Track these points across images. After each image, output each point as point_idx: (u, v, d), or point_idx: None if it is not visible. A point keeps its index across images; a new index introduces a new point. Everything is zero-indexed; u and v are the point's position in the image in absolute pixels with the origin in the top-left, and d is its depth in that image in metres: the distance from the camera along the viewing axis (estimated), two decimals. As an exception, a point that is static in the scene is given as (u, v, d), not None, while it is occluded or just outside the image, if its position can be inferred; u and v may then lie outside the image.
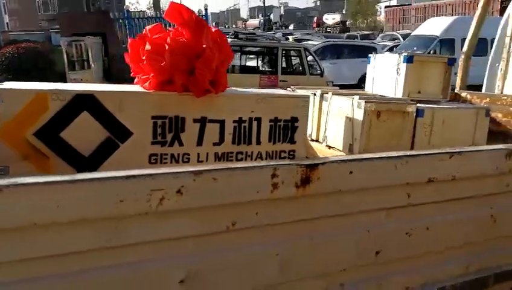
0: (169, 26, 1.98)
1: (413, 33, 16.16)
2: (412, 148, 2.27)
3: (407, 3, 44.92)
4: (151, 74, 1.85)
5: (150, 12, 24.15)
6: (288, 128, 2.08)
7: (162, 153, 1.94)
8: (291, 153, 2.11)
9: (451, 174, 1.15)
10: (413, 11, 39.45)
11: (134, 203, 0.80)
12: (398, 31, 31.83)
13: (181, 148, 1.96)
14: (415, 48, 13.77)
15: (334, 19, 47.93)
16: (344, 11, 52.24)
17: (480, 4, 3.69)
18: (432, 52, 12.99)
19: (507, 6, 15.89)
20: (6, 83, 1.88)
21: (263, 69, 9.57)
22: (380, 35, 33.18)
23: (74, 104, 1.78)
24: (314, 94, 2.58)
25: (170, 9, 1.86)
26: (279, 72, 8.60)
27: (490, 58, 3.74)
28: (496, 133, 2.84)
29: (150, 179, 0.81)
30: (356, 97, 2.22)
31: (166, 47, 1.78)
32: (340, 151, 2.35)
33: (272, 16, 54.91)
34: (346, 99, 2.30)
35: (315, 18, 51.71)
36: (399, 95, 2.47)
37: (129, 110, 1.85)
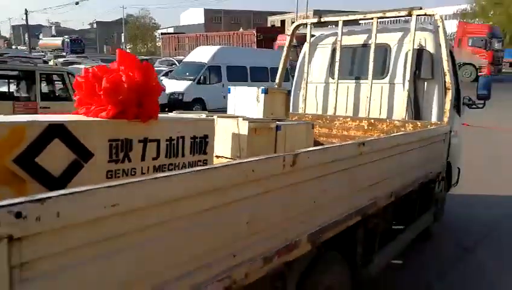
0: None
1: (185, 60, 17.69)
2: (275, 152, 3.30)
3: (181, 31, 48.44)
4: (109, 106, 2.32)
5: None
6: (202, 144, 2.82)
7: (115, 169, 2.39)
8: (204, 161, 2.84)
9: (338, 158, 2.19)
10: (186, 39, 42.45)
11: (244, 176, 1.50)
12: (174, 57, 34.07)
13: (129, 163, 2.45)
14: (187, 74, 15.36)
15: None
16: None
17: (285, 48, 5.15)
18: (202, 77, 14.74)
19: (262, 39, 19.77)
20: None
21: (18, 95, 8.82)
22: (158, 60, 34.84)
23: (47, 132, 2.10)
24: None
25: (121, 56, 2.39)
26: (38, 99, 8.19)
27: (293, 85, 5.19)
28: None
29: (252, 163, 1.53)
30: (240, 118, 3.13)
31: (125, 85, 2.31)
32: (228, 158, 3.20)
33: (41, 36, 50.30)
34: (231, 120, 3.18)
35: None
36: (260, 116, 3.49)
37: (91, 135, 2.26)
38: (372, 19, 4.55)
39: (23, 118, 2.12)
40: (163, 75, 18.26)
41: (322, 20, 4.92)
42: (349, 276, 2.65)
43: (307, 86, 4.99)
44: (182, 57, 26.43)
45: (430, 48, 4.40)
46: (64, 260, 1.02)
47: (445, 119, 4.22)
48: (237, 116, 3.22)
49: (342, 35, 4.71)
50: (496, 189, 6.61)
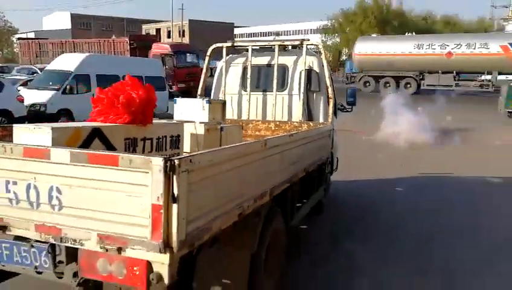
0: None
1: (47, 68, 16.62)
2: (220, 146, 4.58)
3: (44, 36, 45.35)
4: (125, 115, 3.38)
5: None
6: (177, 141, 3.98)
7: (128, 160, 3.44)
8: (177, 154, 4.00)
9: (280, 143, 3.61)
10: (50, 46, 39.68)
11: (246, 150, 2.81)
12: (36, 65, 31.90)
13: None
14: (50, 83, 14.53)
15: None
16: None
17: (204, 66, 6.44)
18: (68, 87, 14.11)
19: (136, 47, 20.90)
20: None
21: None
22: (16, 68, 32.25)
23: (92, 134, 3.11)
24: (162, 123, 4.46)
25: (130, 80, 3.46)
26: None
27: (212, 96, 6.48)
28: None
29: (250, 144, 2.83)
30: (197, 122, 4.34)
31: (137, 100, 3.40)
32: (189, 152, 4.38)
33: None
34: (190, 124, 4.37)
35: None
36: (205, 121, 4.74)
37: (115, 135, 3.29)
38: (274, 46, 6.13)
39: (77, 124, 3.09)
40: (21, 85, 16.98)
41: (235, 44, 6.34)
42: (284, 225, 4.08)
43: (225, 96, 6.34)
44: (45, 65, 24.49)
45: (316, 68, 6.13)
46: (202, 181, 2.25)
47: (329, 120, 5.98)
48: (193, 121, 4.43)
49: (251, 57, 6.19)
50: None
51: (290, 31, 78.00)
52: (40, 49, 39.64)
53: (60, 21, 58.10)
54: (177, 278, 2.20)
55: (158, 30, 57.09)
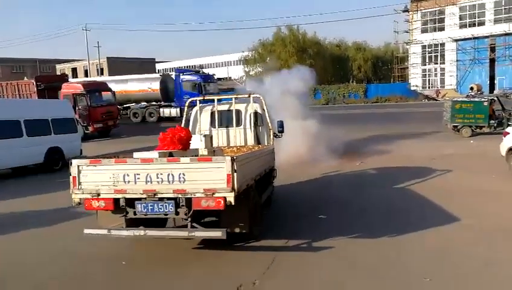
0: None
1: None
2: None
3: None
4: (179, 146, 7.10)
5: None
6: (197, 158, 7.75)
7: (181, 168, 7.16)
8: (198, 165, 7.76)
9: (258, 154, 7.52)
10: None
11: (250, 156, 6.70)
12: None
13: (183, 166, 7.24)
14: None
15: None
16: None
17: (184, 118, 10.22)
18: None
19: (44, 88, 25.12)
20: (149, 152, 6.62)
21: None
22: None
23: (169, 154, 6.78)
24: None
25: (177, 128, 7.20)
26: None
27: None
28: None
29: (248, 153, 6.72)
30: (202, 148, 8.10)
31: (185, 138, 7.15)
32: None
33: None
34: (200, 149, 8.12)
35: None
36: (203, 147, 8.51)
37: (176, 155, 6.97)
38: (232, 97, 10.11)
39: (162, 151, 6.76)
40: None
41: (205, 98, 10.22)
42: (259, 200, 7.95)
43: (200, 132, 10.11)
44: None
45: (259, 111, 10.19)
46: (242, 166, 6.11)
47: (271, 143, 10.03)
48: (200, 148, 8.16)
49: (217, 105, 10.10)
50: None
51: (213, 63, 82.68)
52: None
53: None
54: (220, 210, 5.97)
55: (74, 69, 58.02)
